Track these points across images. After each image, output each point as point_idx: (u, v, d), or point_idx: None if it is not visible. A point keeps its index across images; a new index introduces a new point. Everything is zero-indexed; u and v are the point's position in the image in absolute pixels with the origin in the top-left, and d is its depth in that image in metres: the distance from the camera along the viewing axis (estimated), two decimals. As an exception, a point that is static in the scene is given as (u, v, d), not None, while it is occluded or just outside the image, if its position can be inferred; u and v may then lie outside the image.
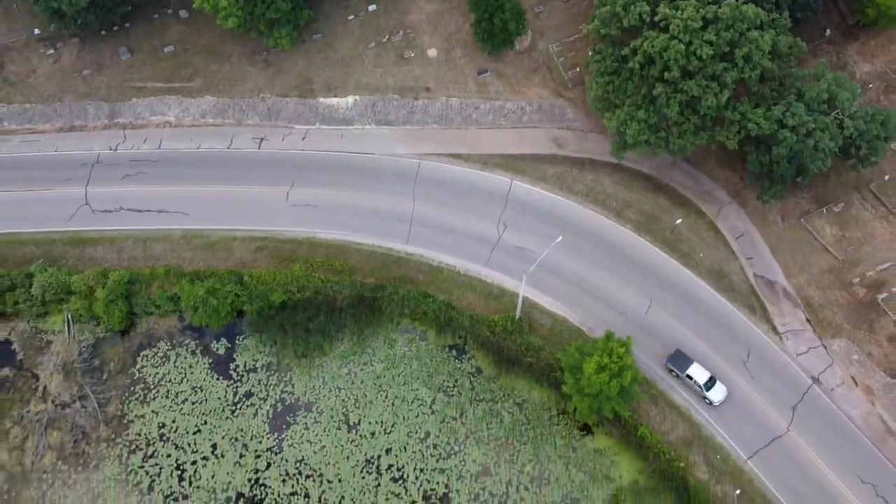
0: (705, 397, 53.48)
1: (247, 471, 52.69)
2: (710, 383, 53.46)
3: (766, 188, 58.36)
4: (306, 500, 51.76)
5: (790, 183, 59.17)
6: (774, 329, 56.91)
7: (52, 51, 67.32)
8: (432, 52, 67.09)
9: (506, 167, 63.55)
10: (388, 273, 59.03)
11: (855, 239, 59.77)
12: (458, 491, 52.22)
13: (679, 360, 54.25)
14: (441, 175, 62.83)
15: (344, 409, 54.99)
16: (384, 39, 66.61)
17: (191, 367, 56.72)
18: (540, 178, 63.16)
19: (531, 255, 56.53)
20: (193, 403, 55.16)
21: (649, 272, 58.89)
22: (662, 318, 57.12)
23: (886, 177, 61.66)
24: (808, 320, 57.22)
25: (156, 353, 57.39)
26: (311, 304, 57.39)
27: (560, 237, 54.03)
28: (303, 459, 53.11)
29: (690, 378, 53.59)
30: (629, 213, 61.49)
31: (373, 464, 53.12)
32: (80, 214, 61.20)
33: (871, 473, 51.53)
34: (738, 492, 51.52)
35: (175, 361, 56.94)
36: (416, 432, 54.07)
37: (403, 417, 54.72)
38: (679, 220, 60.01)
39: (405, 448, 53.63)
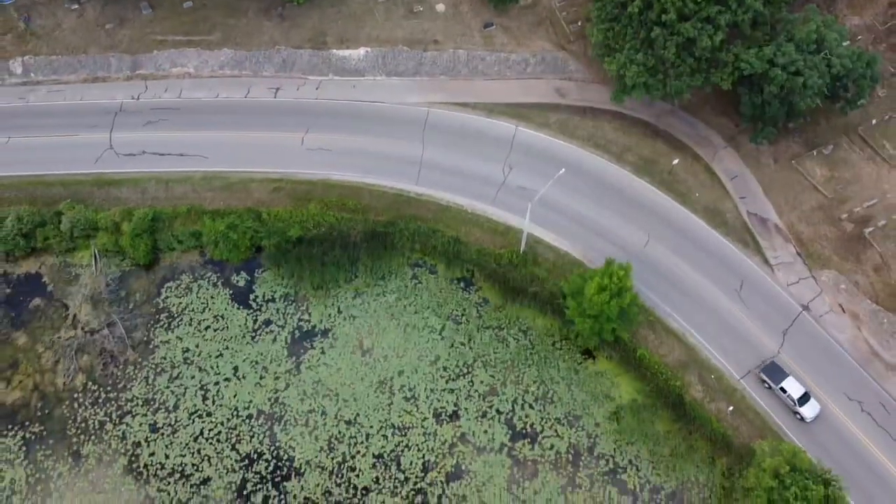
0: (797, 412, 53.06)
1: (267, 391, 56.02)
2: (804, 399, 52.97)
3: (759, 129, 61.92)
4: (323, 416, 55.11)
5: (781, 127, 62.66)
6: (766, 261, 60.30)
7: (76, 5, 70.86)
8: (440, 7, 70.64)
9: (510, 115, 67.04)
10: (399, 212, 62.46)
11: (843, 179, 63.24)
12: (466, 409, 55.59)
13: (774, 372, 54.10)
14: (449, 122, 66.28)
15: (358, 336, 58.40)
16: (394, -6, 70.21)
17: (212, 297, 60.10)
18: (543, 125, 66.62)
19: (535, 195, 59.92)
20: (215, 330, 58.55)
21: (647, 210, 62.32)
22: (660, 251, 60.53)
23: (874, 121, 65.15)
24: (798, 253, 60.61)
25: (179, 285, 60.75)
26: (326, 239, 60.71)
27: (563, 170, 57.37)
28: (320, 381, 56.48)
29: (784, 391, 53.21)
30: (628, 157, 64.98)
31: (386, 384, 56.51)
32: (104, 158, 64.62)
33: (857, 391, 54.91)
34: (730, 408, 54.94)
35: (197, 293, 60.31)
36: (427, 356, 57.47)
37: (415, 343, 58.12)
38: (676, 161, 63.52)
39: (416, 370, 57.01)
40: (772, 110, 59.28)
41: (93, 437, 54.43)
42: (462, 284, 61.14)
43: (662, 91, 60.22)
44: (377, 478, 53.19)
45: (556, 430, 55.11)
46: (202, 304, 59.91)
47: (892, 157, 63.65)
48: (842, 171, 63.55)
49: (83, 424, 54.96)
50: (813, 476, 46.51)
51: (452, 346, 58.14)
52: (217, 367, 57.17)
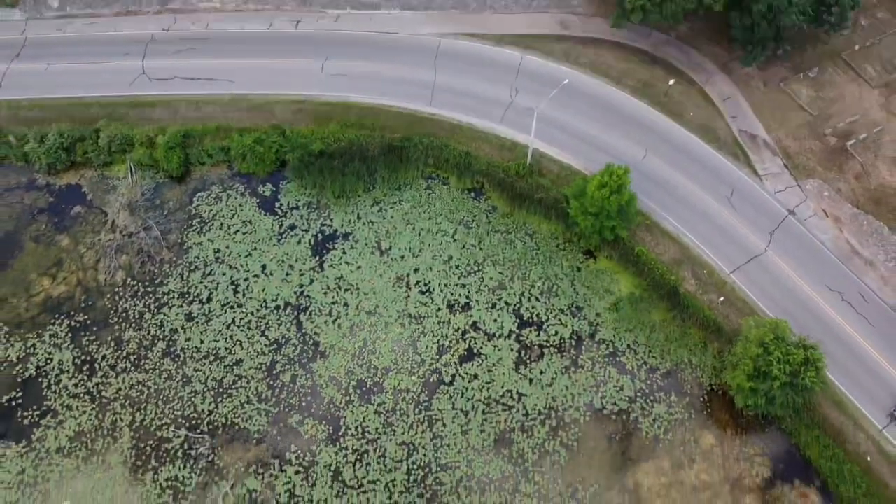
0: None
1: (292, 285, 61.40)
2: None
3: (749, 52, 67.38)
4: (345, 307, 60.48)
5: (770, 52, 68.04)
6: (755, 172, 65.72)
7: (109, -55, 76.29)
8: (451, -55, 76.04)
9: (517, 44, 72.51)
10: (414, 129, 67.89)
11: (827, 98, 68.69)
12: (477, 301, 60.95)
13: None
14: (459, 50, 71.76)
15: (376, 238, 63.81)
16: (408, -67, 75.63)
17: (240, 205, 65.54)
18: (548, 53, 72.09)
19: (540, 114, 65.24)
20: (244, 234, 63.97)
21: (645, 128, 67.75)
22: (656, 163, 65.95)
23: (857, 47, 70.62)
24: (785, 165, 66.04)
25: (209, 195, 66.22)
26: (346, 153, 66.08)
27: (567, 80, 62.75)
28: (341, 277, 61.86)
29: None
30: (627, 81, 70.43)
31: (403, 280, 61.91)
32: (138, 82, 70.08)
33: (838, 284, 60.26)
34: (721, 299, 60.29)
35: (227, 201, 65.76)
36: (440, 256, 62.86)
37: (429, 245, 63.51)
38: (672, 82, 69.02)
39: (431, 268, 62.40)
40: (760, 31, 64.67)
41: (133, 325, 59.75)
42: (472, 194, 66.52)
43: (659, 15, 65.52)
44: (395, 360, 58.42)
45: (559, 320, 60.37)
46: (231, 211, 65.28)
47: (872, 78, 69.06)
48: (826, 92, 68.93)
49: (124, 314, 60.25)
50: (794, 343, 51.71)
51: (464, 247, 63.48)
52: (246, 265, 62.50)
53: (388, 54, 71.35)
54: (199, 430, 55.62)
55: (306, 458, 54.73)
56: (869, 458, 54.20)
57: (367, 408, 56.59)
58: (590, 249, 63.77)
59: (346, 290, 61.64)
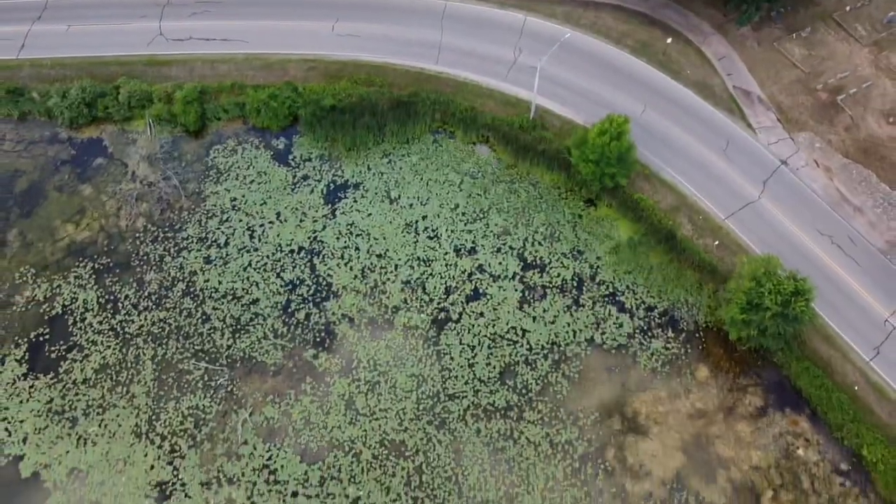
0: None
1: (306, 231, 64.57)
2: None
3: (743, 13, 70.60)
4: (356, 251, 63.66)
5: (764, 11, 71.28)
6: (750, 126, 68.90)
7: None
8: (456, -88, 79.13)
9: (520, 7, 75.75)
10: (421, 86, 71.09)
11: (819, 56, 71.88)
12: (482, 246, 64.13)
13: None
14: (464, 12, 75.00)
15: (386, 188, 66.99)
16: None
17: (255, 157, 68.74)
18: (550, 15, 75.33)
19: (543, 72, 68.39)
20: (259, 183, 67.16)
21: (643, 85, 70.95)
22: (655, 118, 69.15)
23: (848, 8, 73.91)
24: (778, 119, 69.21)
25: (225, 148, 69.41)
26: (356, 108, 69.26)
27: (569, 34, 65.94)
28: (353, 223, 65.05)
29: None
30: (627, 41, 73.66)
31: (412, 226, 65.08)
32: (155, 42, 73.27)
33: (828, 228, 63.44)
34: (716, 243, 63.45)
35: (242, 154, 68.94)
36: (447, 204, 66.05)
37: (436, 194, 66.71)
38: (669, 40, 72.18)
39: (438, 216, 65.58)
40: (754, -9, 67.89)
41: (154, 267, 62.92)
42: (478, 147, 69.60)
43: (656, -25, 68.72)
44: (405, 299, 61.60)
45: (562, 262, 63.54)
46: (246, 162, 68.47)
47: (862, 37, 72.28)
48: (818, 51, 72.13)
49: (145, 257, 63.43)
50: (785, 276, 54.83)
51: (470, 196, 66.66)
52: (261, 212, 65.69)
53: (396, 16, 74.54)
54: (218, 363, 58.70)
55: (321, 389, 57.85)
56: (856, 388, 57.28)
57: (378, 343, 59.69)
58: (590, 198, 66.93)
59: (357, 235, 64.78)
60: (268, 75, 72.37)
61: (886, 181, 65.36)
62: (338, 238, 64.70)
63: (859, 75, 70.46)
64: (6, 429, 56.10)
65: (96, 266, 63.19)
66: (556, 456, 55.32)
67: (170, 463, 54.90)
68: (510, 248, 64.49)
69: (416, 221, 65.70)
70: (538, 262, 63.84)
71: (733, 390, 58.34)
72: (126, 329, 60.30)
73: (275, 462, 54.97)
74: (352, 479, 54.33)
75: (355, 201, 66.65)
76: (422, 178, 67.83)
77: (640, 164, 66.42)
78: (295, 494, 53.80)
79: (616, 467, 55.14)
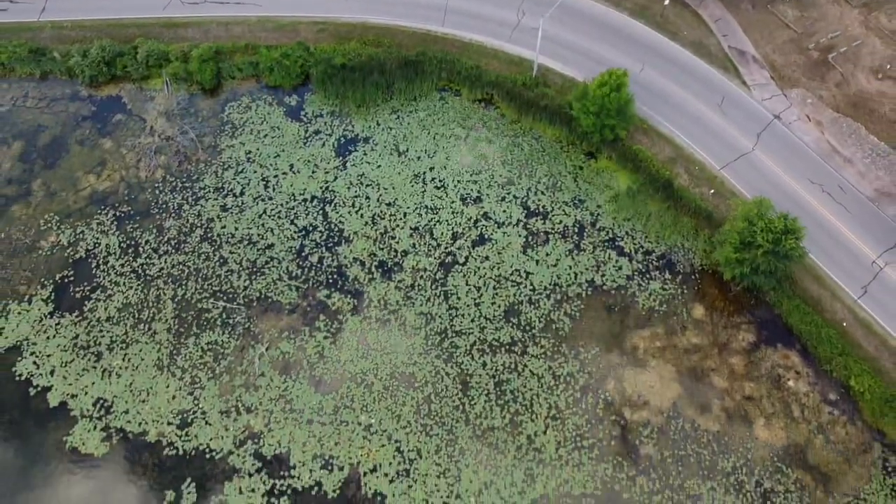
0: None
1: (318, 181, 67.74)
2: None
3: (738, -25, 73.67)
4: (367, 200, 66.82)
5: (759, -24, 74.39)
6: (744, 83, 72.04)
7: None
8: None
9: (523, -28, 78.74)
10: (428, 47, 74.24)
11: (811, 17, 75.04)
12: (487, 195, 67.27)
13: None
14: (469, -22, 78.02)
15: (395, 142, 70.16)
16: None
17: (269, 113, 71.90)
18: (552, -20, 78.30)
19: (545, 34, 71.42)
20: (273, 138, 70.33)
21: (642, 45, 74.13)
22: (653, 76, 72.29)
23: (838, -28, 76.86)
24: (771, 77, 72.36)
25: (239, 105, 72.58)
26: (366, 67, 72.40)
27: (570, -8, 69.14)
28: (363, 174, 68.19)
29: None
30: (626, 3, 76.92)
31: (419, 177, 68.23)
32: (172, 5, 76.51)
33: (819, 177, 66.57)
34: (711, 191, 66.57)
35: (256, 110, 72.12)
36: (454, 156, 69.23)
37: (443, 147, 69.87)
38: (667, 2, 75.33)
39: (445, 167, 68.74)
40: (748, -47, 70.97)
41: (173, 215, 66.06)
42: (482, 104, 72.88)
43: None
44: (414, 244, 64.75)
45: (563, 210, 66.69)
46: (260, 118, 71.64)
47: (853, -1, 75.35)
48: (810, 12, 75.28)
49: (164, 205, 66.58)
50: (776, 216, 57.95)
51: (475, 148, 70.01)
52: (275, 164, 68.86)
53: (402, -19, 77.66)
54: (235, 303, 61.82)
55: (334, 326, 60.95)
56: (845, 324, 60.38)
57: (388, 284, 62.83)
58: (591, 151, 70.08)
59: (367, 185, 67.93)
60: (280, 36, 75.54)
61: (875, 133, 68.48)
62: (349, 188, 67.83)
63: (850, 35, 73.59)
64: (34, 362, 59.15)
65: (117, 213, 66.33)
66: (559, 387, 58.41)
67: (190, 393, 57.95)
68: (514, 197, 67.61)
69: (424, 172, 68.80)
70: (541, 210, 66.97)
71: (728, 327, 61.41)
72: (147, 271, 63.41)
73: (290, 392, 58.06)
74: (364, 408, 57.39)
75: (365, 154, 69.79)
76: (429, 133, 70.98)
77: (639, 118, 69.54)
78: (310, 422, 56.85)
79: (616, 397, 58.23)
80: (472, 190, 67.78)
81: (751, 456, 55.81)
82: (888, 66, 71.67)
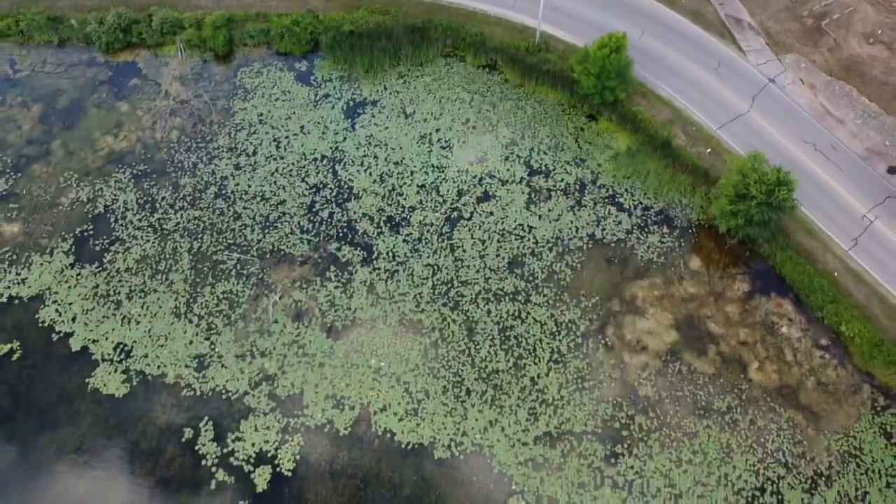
0: None
1: (328, 142, 70.43)
2: None
3: (734, -54, 76.29)
4: (375, 159, 69.51)
5: (754, -53, 77.00)
6: (740, 48, 74.72)
7: None
8: None
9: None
10: (433, 15, 76.95)
11: (805, -14, 77.62)
12: (491, 155, 69.84)
13: None
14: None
15: (401, 105, 72.85)
16: None
17: (280, 78, 74.61)
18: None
19: (548, 2, 73.79)
20: (283, 101, 73.04)
21: (641, 13, 76.86)
22: (652, 42, 75.01)
23: (832, -57, 79.56)
24: (766, 43, 75.02)
25: (251, 70, 75.32)
26: (373, 33, 75.11)
27: (571, -41, 71.79)
28: (371, 135, 70.89)
29: None
30: (626, -26, 79.42)
31: (426, 138, 70.90)
32: (185, -24, 79.06)
33: (812, 137, 69.24)
34: (708, 150, 69.22)
35: (267, 75, 74.85)
36: (459, 118, 71.90)
37: (448, 110, 72.56)
38: (665, -28, 77.92)
39: (450, 128, 71.41)
40: (744, -77, 73.60)
41: (188, 173, 68.76)
42: (487, 69, 75.58)
43: None
44: (421, 200, 67.40)
45: (565, 169, 69.36)
46: (272, 82, 74.36)
47: (846, -32, 77.97)
48: (804, -19, 77.87)
49: (179, 164, 69.29)
50: (769, 169, 60.58)
51: (479, 111, 72.53)
52: (286, 125, 71.56)
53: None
54: (249, 255, 64.48)
55: (344, 276, 63.60)
56: (836, 274, 63.00)
57: (396, 237, 65.47)
58: (592, 114, 72.76)
59: (375, 145, 70.61)
60: (290, 6, 78.26)
61: (866, 95, 71.12)
62: (357, 148, 70.50)
63: (842, 2, 76.23)
64: (56, 310, 61.78)
65: (135, 172, 69.01)
66: (561, 333, 61.05)
67: (207, 339, 60.59)
68: (517, 156, 70.26)
69: (430, 134, 71.46)
70: (543, 168, 69.62)
71: (723, 278, 64.04)
72: (164, 226, 66.09)
73: (303, 338, 60.70)
74: (374, 353, 60.01)
75: (373, 116, 72.47)
76: (435, 97, 73.66)
77: (638, 82, 72.20)
78: (322, 365, 59.48)
79: (615, 342, 60.86)
80: (476, 150, 70.39)
81: (745, 396, 58.40)
82: (879, 32, 74.33)
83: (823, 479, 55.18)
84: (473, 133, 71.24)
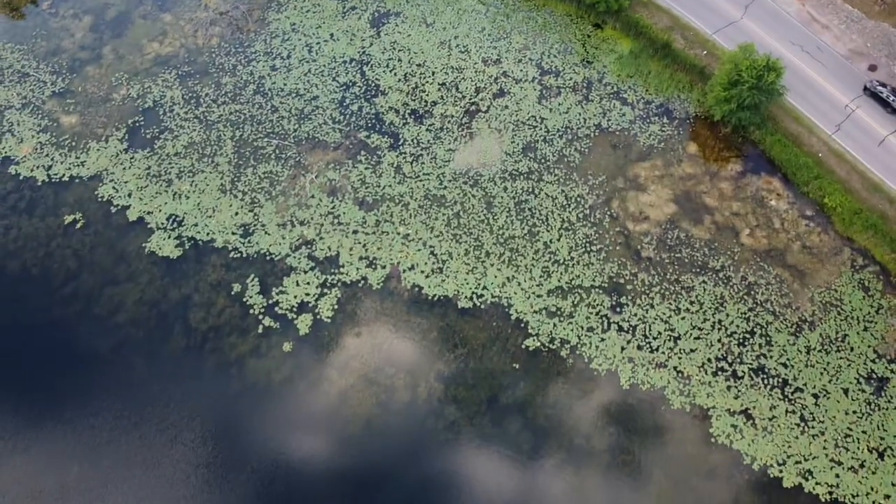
0: None
1: (356, 47, 77.38)
2: None
3: None
4: (399, 62, 76.43)
5: None
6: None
7: None
8: None
9: None
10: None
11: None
12: (506, 58, 76.85)
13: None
14: None
15: (423, 16, 79.81)
16: None
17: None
18: None
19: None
20: (314, 13, 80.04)
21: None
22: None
23: None
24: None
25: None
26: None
27: None
28: (395, 41, 77.82)
29: None
30: None
31: (445, 44, 77.83)
32: None
33: (800, 40, 76.09)
34: (704, 52, 76.09)
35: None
36: (475, 27, 78.85)
37: (465, 20, 79.52)
38: None
39: (468, 36, 78.37)
40: None
41: (228, 73, 75.75)
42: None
43: None
44: (442, 96, 74.32)
45: (573, 70, 76.29)
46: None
47: None
48: None
49: (220, 66, 76.27)
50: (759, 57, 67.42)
51: (494, 21, 79.48)
52: (317, 33, 78.54)
53: None
54: (287, 141, 71.40)
55: (373, 159, 70.51)
56: (820, 155, 69.86)
57: (419, 127, 72.38)
58: (597, 23, 79.69)
59: (399, 49, 77.55)
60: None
61: (849, 2, 77.89)
62: (383, 52, 77.44)
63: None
64: (114, 187, 68.71)
65: (180, 73, 75.97)
66: (570, 205, 67.94)
67: (251, 210, 67.50)
68: (529, 59, 77.20)
69: (449, 40, 78.39)
70: (553, 69, 76.54)
71: (718, 160, 70.93)
72: (208, 117, 73.03)
73: (338, 209, 67.59)
74: (402, 222, 66.92)
75: (397, 25, 79.42)
76: (453, 8, 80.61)
77: (639, -6, 79.02)
78: (355, 232, 66.38)
79: (620, 213, 67.73)
80: (492, 54, 77.36)
81: (737, 257, 65.28)
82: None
83: (807, 324, 62.01)
84: (489, 39, 78.05)
